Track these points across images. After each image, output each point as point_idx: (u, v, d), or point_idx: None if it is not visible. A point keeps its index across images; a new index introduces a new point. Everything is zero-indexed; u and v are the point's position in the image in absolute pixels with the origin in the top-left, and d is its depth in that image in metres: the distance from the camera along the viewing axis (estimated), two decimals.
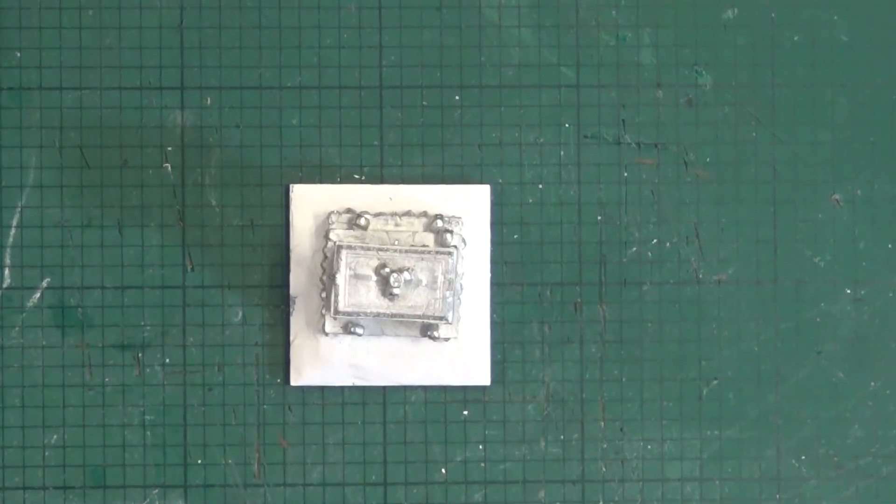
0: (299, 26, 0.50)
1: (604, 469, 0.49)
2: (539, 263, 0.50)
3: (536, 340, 0.49)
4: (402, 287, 0.46)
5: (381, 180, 0.49)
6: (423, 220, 0.48)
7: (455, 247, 0.47)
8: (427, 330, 0.47)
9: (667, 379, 0.50)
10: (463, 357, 0.48)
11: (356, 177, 0.49)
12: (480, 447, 0.49)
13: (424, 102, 0.50)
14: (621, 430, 0.50)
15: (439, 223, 0.47)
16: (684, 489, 0.49)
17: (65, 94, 0.49)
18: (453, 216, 0.48)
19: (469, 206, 0.48)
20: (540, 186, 0.50)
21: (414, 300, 0.46)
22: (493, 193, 0.49)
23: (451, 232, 0.47)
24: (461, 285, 0.48)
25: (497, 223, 0.49)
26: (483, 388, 0.49)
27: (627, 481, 0.49)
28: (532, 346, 0.49)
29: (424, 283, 0.46)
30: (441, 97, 0.50)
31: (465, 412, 0.49)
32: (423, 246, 0.47)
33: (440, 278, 0.46)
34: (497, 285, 0.49)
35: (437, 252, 0.46)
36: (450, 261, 0.46)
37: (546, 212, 0.50)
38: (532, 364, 0.49)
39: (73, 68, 0.49)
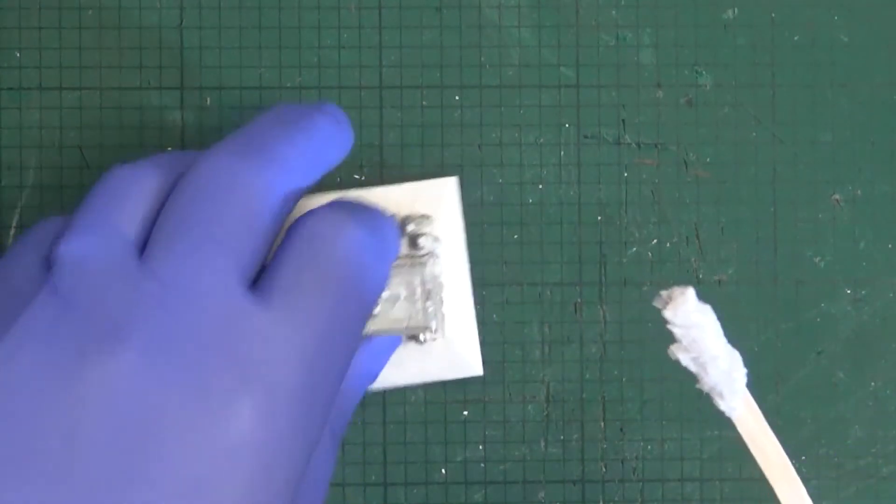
0: (299, 26, 0.50)
1: (604, 469, 0.49)
2: (539, 263, 0.50)
3: (536, 340, 0.49)
4: (380, 305, 0.44)
5: (380, 180, 0.49)
6: None
7: (429, 253, 0.46)
8: (411, 335, 0.46)
9: (667, 379, 0.50)
10: (452, 352, 0.47)
11: (356, 177, 0.49)
12: (480, 447, 0.49)
13: (424, 102, 0.50)
14: (621, 430, 0.50)
15: (410, 227, 0.46)
16: (684, 489, 0.49)
17: (65, 94, 0.49)
18: (422, 215, 0.46)
19: (437, 200, 0.47)
20: (540, 186, 0.50)
21: (395, 314, 0.44)
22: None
23: (423, 234, 0.46)
24: (441, 283, 0.47)
25: (497, 223, 0.49)
26: (482, 387, 0.49)
27: (627, 481, 0.49)
28: (532, 346, 0.49)
29: (403, 296, 0.44)
30: (441, 97, 0.50)
31: (465, 412, 0.49)
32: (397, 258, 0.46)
33: (419, 290, 0.45)
34: (497, 285, 0.49)
35: (411, 263, 0.45)
36: (426, 270, 0.45)
37: (546, 212, 0.50)
38: (532, 364, 0.49)
39: (73, 68, 0.49)
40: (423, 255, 0.45)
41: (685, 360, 0.34)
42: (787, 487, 0.35)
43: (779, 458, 0.36)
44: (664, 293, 0.34)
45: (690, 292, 0.34)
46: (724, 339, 0.34)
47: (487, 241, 0.49)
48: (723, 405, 0.35)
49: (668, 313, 0.34)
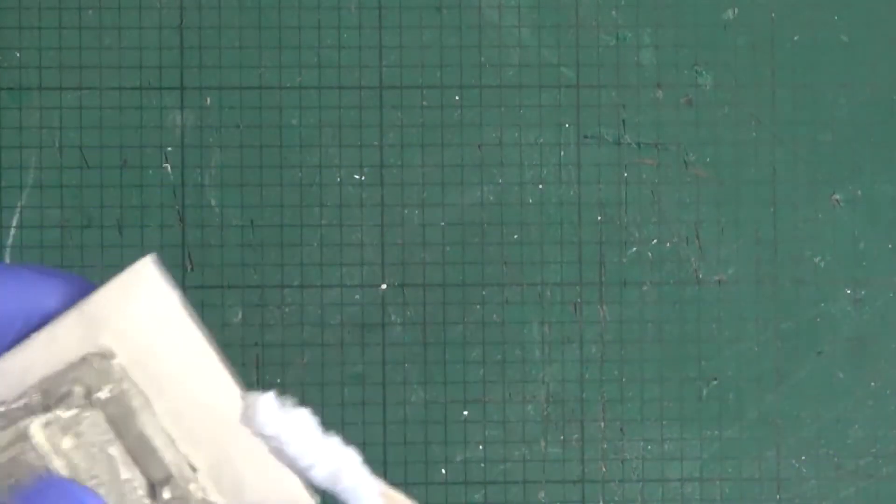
0: (299, 26, 0.50)
1: (604, 469, 0.49)
2: (539, 263, 0.50)
3: (536, 340, 0.49)
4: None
5: (381, 181, 0.49)
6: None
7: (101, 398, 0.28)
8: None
9: (667, 379, 0.50)
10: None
11: (356, 177, 0.49)
12: (480, 447, 0.49)
13: (424, 102, 0.50)
14: (621, 430, 0.50)
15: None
16: (684, 489, 0.49)
17: (65, 94, 0.49)
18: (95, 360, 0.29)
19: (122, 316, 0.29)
20: (540, 186, 0.50)
21: None
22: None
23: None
24: (148, 431, 0.28)
25: (497, 223, 0.49)
26: (482, 387, 0.49)
27: (627, 481, 0.49)
28: (532, 346, 0.49)
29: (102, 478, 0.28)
30: (441, 97, 0.50)
31: (465, 412, 0.49)
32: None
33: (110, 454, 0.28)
34: (497, 285, 0.49)
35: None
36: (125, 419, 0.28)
37: (546, 212, 0.50)
38: (532, 364, 0.49)
39: (73, 68, 0.49)
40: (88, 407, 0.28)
41: (281, 462, 0.28)
42: None
43: None
44: (244, 398, 0.28)
45: (263, 400, 0.27)
46: (324, 442, 0.28)
47: (487, 241, 0.49)
48: None
49: (241, 420, 0.27)
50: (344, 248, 0.49)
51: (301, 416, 0.28)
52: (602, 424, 0.49)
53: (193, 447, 0.29)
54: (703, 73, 0.50)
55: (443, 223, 0.49)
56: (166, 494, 0.28)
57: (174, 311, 0.30)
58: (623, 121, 0.50)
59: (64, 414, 0.27)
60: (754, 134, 0.50)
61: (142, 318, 0.29)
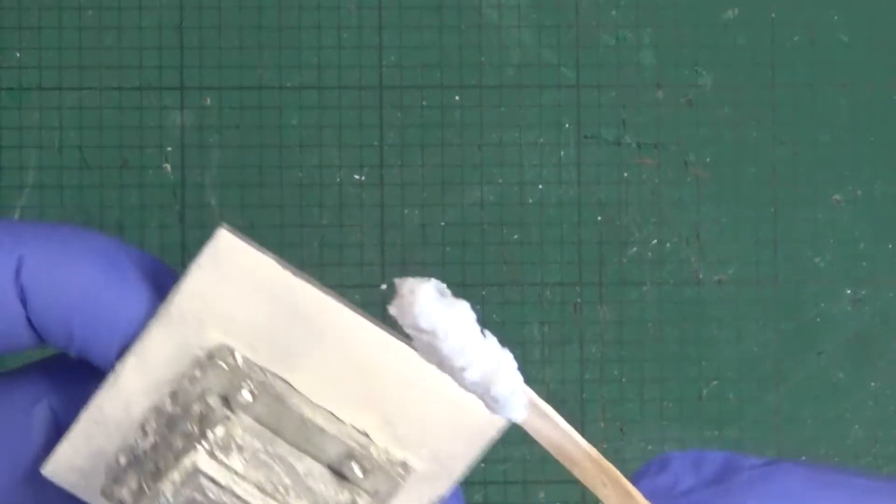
0: (299, 26, 0.50)
1: None
2: (539, 263, 0.50)
3: (536, 340, 0.49)
4: None
5: (381, 181, 0.49)
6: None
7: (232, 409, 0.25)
8: None
9: (667, 379, 0.50)
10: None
11: (356, 177, 0.49)
12: None
13: (424, 102, 0.50)
14: (621, 430, 0.50)
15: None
16: None
17: (65, 94, 0.49)
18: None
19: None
20: (540, 186, 0.50)
21: None
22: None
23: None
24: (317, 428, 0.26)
25: (497, 223, 0.49)
26: None
27: None
28: (532, 346, 0.49)
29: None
30: (441, 97, 0.50)
31: None
32: None
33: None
34: (497, 285, 0.49)
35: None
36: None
37: (546, 212, 0.50)
38: (532, 364, 0.49)
39: (73, 68, 0.49)
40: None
41: (429, 361, 0.24)
42: (611, 493, 0.26)
43: (591, 462, 0.27)
44: (401, 284, 0.24)
45: (424, 289, 0.24)
46: (482, 341, 0.25)
47: (487, 241, 0.49)
48: (500, 414, 0.26)
49: (393, 310, 0.24)
50: (344, 248, 0.49)
51: (462, 308, 0.25)
52: (602, 424, 0.49)
53: (354, 411, 0.26)
54: (703, 73, 0.50)
55: (443, 223, 0.49)
56: (358, 472, 0.25)
57: (277, 276, 0.25)
58: (623, 121, 0.50)
59: (217, 433, 0.24)
60: (754, 134, 0.50)
61: (245, 298, 0.25)
